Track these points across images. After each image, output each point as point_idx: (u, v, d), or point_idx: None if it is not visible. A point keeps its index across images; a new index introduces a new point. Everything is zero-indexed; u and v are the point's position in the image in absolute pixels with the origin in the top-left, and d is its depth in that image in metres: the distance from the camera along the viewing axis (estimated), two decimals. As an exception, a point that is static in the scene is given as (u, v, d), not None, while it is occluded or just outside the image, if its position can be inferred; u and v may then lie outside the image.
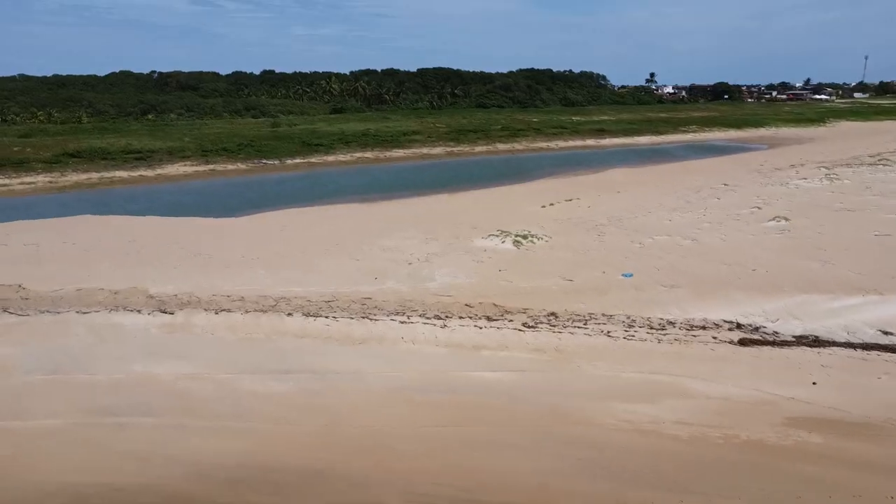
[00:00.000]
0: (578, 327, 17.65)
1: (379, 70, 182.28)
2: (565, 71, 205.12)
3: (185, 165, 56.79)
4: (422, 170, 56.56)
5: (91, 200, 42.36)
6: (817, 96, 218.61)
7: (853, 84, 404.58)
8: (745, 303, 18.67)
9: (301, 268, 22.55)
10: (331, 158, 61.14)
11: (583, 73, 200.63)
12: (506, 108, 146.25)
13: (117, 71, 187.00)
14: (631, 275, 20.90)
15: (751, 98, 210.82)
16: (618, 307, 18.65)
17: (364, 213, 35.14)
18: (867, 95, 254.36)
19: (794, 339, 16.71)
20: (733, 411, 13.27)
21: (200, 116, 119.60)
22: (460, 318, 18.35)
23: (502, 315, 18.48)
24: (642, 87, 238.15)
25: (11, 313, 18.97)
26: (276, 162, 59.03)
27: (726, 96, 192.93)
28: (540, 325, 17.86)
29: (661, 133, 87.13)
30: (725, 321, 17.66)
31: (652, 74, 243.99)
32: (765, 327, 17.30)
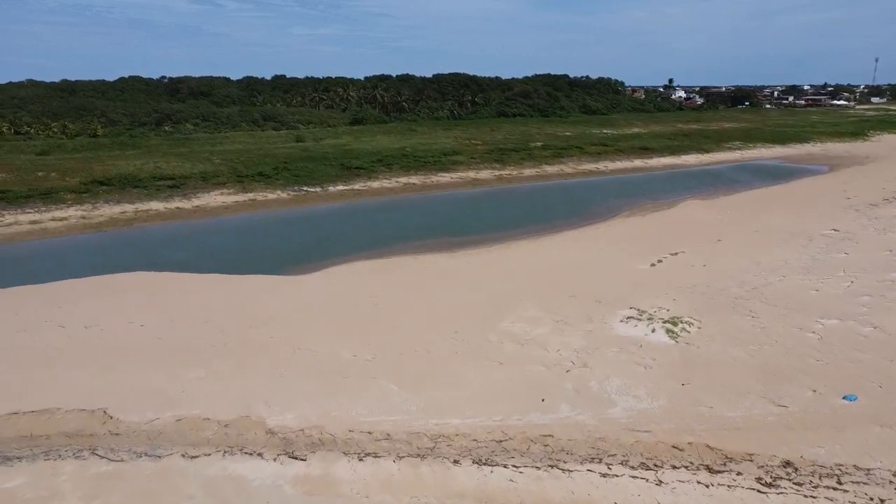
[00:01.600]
0: (833, 488, 13.80)
1: (394, 76, 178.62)
2: (582, 77, 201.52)
3: (223, 194, 52.84)
4: (478, 201, 52.64)
5: (134, 244, 38.42)
6: (836, 102, 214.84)
7: (862, 86, 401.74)
8: None
9: (440, 381, 18.65)
10: (375, 185, 57.18)
11: (600, 80, 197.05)
12: (526, 116, 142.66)
13: (126, 76, 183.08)
14: (855, 398, 17.05)
15: (769, 104, 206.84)
16: (869, 454, 14.80)
17: (452, 271, 31.21)
18: (884, 100, 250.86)
19: None
20: None
21: (217, 126, 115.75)
22: (674, 467, 14.51)
23: (724, 464, 14.64)
24: (654, 90, 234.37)
25: (101, 456, 15.09)
26: (318, 189, 55.09)
27: (747, 103, 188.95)
28: (780, 483, 14.04)
29: (705, 150, 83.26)
30: None
31: (670, 81, 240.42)
32: None
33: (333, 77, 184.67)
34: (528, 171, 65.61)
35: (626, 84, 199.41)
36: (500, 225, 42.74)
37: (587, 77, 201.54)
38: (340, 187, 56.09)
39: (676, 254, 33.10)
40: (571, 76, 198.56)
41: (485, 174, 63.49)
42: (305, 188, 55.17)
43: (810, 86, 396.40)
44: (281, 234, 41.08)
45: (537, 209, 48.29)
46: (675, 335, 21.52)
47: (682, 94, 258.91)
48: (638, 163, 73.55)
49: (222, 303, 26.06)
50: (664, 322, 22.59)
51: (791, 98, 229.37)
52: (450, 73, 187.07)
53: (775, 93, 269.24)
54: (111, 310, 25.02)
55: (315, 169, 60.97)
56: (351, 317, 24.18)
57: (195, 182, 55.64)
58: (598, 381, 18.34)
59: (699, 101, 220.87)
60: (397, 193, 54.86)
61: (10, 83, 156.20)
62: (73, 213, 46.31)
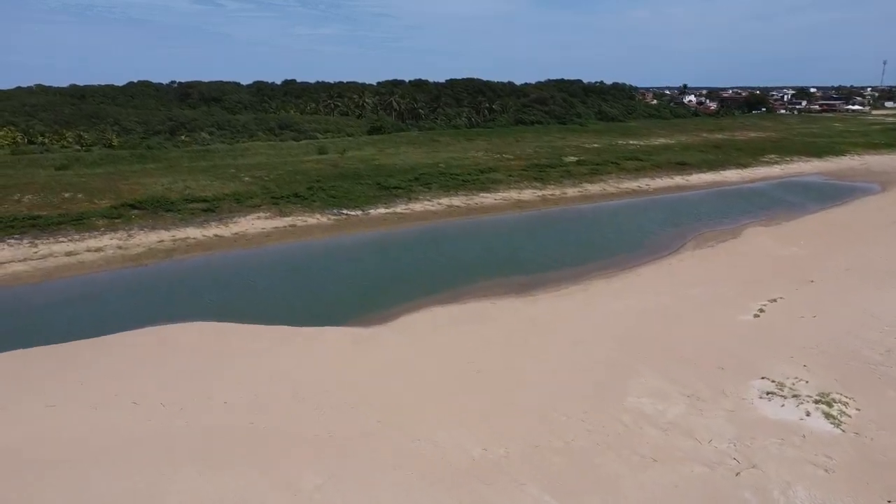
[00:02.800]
0: None
1: (407, 81, 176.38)
2: (596, 82, 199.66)
3: (260, 219, 50.36)
4: (530, 227, 50.23)
5: (180, 281, 35.95)
6: (851, 107, 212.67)
7: (869, 88, 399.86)
8: None
9: (594, 486, 16.18)
10: (418, 207, 54.70)
11: (614, 85, 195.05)
12: (544, 123, 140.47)
13: (135, 80, 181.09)
14: None
15: (783, 109, 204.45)
16: None
17: (542, 323, 28.76)
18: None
19: None
20: None
21: (233, 135, 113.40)
22: None
23: None
24: (660, 92, 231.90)
25: None
26: (359, 213, 52.61)
27: (763, 108, 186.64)
28: None
29: (743, 165, 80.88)
30: None
31: (684, 86, 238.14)
32: None
33: (345, 82, 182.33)
34: (570, 191, 63.15)
35: (628, 85, 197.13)
36: (565, 258, 40.31)
37: (601, 82, 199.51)
38: (382, 210, 53.60)
39: (775, 300, 30.67)
40: (585, 81, 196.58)
41: (528, 194, 61.03)
42: (345, 211, 52.69)
43: (816, 88, 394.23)
44: (334, 270, 38.60)
45: (594, 238, 45.85)
46: (836, 421, 19.08)
47: (691, 97, 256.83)
48: (679, 180, 71.15)
49: (302, 367, 23.60)
50: (815, 402, 20.15)
51: (804, 103, 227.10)
52: (463, 79, 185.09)
53: (785, 97, 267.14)
54: (183, 377, 22.56)
55: (351, 189, 58.53)
56: (458, 389, 21.73)
57: (229, 204, 53.18)
58: (780, 490, 15.90)
59: (712, 105, 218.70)
60: (442, 217, 52.38)
61: (19, 88, 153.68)
62: (108, 243, 43.81)
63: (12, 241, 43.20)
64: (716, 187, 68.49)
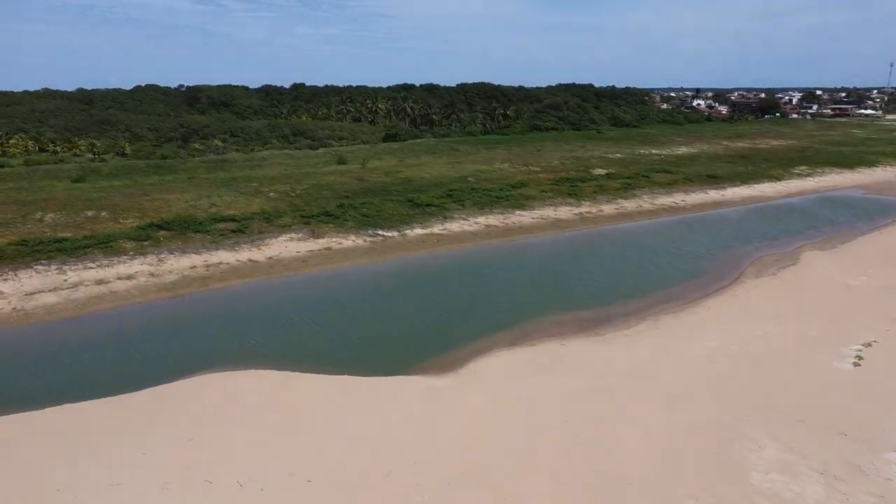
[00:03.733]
0: None
1: (417, 85, 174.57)
2: (608, 87, 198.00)
3: (293, 241, 48.30)
4: (575, 252, 48.25)
5: (224, 316, 33.88)
6: (863, 111, 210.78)
7: (875, 91, 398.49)
8: None
9: None
10: (455, 228, 52.63)
11: (627, 90, 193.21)
12: (559, 129, 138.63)
13: (142, 84, 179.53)
14: None
15: (795, 114, 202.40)
16: None
17: (623, 371, 26.73)
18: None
19: None
20: None
21: (246, 142, 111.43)
22: None
23: None
24: (665, 93, 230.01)
25: None
26: (395, 234, 50.53)
27: (777, 113, 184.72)
28: None
29: (776, 178, 78.90)
30: None
31: (697, 90, 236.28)
32: None
33: (354, 86, 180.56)
34: (607, 209, 61.11)
35: (640, 90, 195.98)
36: (622, 287, 38.31)
37: (613, 87, 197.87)
38: (418, 231, 51.54)
39: (869, 344, 28.67)
40: (596, 85, 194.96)
41: (564, 212, 58.99)
42: (381, 232, 50.64)
43: (822, 90, 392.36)
44: (383, 302, 36.54)
45: (645, 263, 43.81)
46: None
47: (699, 101, 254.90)
48: (714, 195, 69.14)
49: (380, 430, 21.56)
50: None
51: (815, 107, 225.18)
52: (475, 83, 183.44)
53: (793, 100, 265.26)
54: (257, 445, 20.50)
55: (382, 206, 56.48)
56: (553, 457, 19.68)
57: (259, 224, 51.16)
58: None
59: (722, 109, 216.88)
60: (481, 239, 50.33)
61: (27, 92, 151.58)
62: (139, 268, 41.73)
63: (40, 266, 41.17)
64: (753, 203, 66.49)
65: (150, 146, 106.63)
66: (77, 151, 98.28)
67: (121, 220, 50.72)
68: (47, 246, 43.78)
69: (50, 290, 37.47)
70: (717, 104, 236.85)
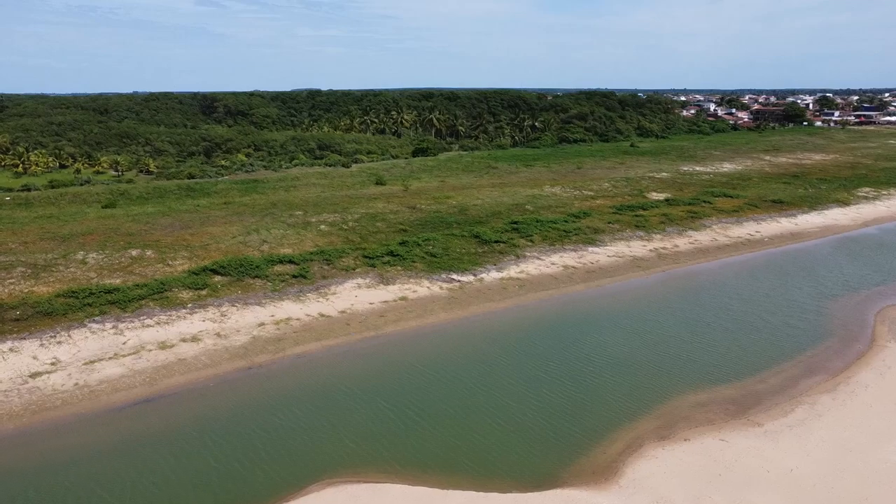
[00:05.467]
0: None
1: (436, 92, 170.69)
2: (630, 94, 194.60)
3: (361, 288, 44.22)
4: (668, 298, 44.28)
5: (320, 400, 29.78)
6: (891, 118, 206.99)
7: (887, 94, 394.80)
8: None
9: None
10: (532, 270, 48.52)
11: (650, 98, 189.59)
12: (588, 142, 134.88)
13: (143, 87, 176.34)
14: None
15: (819, 121, 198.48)
16: None
17: (809, 479, 22.65)
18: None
19: None
20: None
21: (272, 157, 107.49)
22: None
23: None
24: (667, 96, 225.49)
25: None
26: (471, 278, 46.45)
27: (804, 122, 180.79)
28: None
29: (843, 202, 74.97)
30: None
31: (723, 97, 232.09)
32: None
33: (373, 92, 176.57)
34: (681, 243, 57.05)
35: (631, 87, 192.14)
36: (748, 354, 34.31)
37: (636, 94, 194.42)
38: (494, 274, 47.44)
39: None
40: (619, 93, 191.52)
41: (638, 248, 54.94)
42: (455, 276, 46.53)
43: (832, 92, 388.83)
44: (486, 377, 32.44)
45: (754, 320, 39.70)
46: None
47: (711, 106, 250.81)
48: (787, 224, 65.14)
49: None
50: None
51: (837, 114, 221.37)
52: (494, 90, 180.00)
53: (809, 105, 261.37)
54: None
55: (448, 244, 52.43)
56: None
57: (319, 266, 47.13)
58: None
59: (742, 116, 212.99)
60: (563, 284, 46.26)
61: (39, 98, 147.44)
62: (202, 326, 37.60)
63: (94, 325, 37.06)
64: (831, 234, 62.52)
65: (174, 162, 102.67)
66: (100, 168, 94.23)
67: (169, 262, 46.63)
68: (98, 298, 39.71)
69: (111, 358, 33.34)
70: (734, 110, 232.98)
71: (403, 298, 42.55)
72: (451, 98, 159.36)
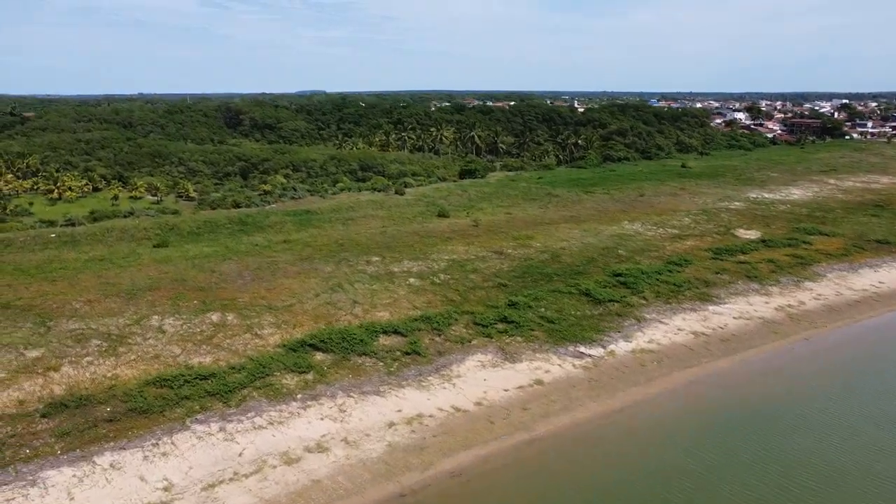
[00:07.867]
0: None
1: (466, 103, 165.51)
2: (665, 107, 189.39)
3: (485, 367, 38.81)
4: (831, 381, 39.05)
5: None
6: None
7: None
8: None
9: None
10: (662, 339, 43.18)
11: (684, 110, 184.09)
12: (631, 160, 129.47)
13: (179, 99, 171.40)
14: None
15: (855, 135, 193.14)
16: None
17: None
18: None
19: None
20: None
21: (311, 177, 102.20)
22: None
23: None
24: (672, 98, 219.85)
25: None
26: (602, 352, 41.09)
27: (847, 137, 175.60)
28: None
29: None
30: None
31: (753, 104, 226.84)
32: None
33: (401, 104, 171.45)
34: (806, 299, 51.73)
35: (637, 91, 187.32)
36: None
37: (670, 107, 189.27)
38: (623, 345, 42.13)
39: None
40: (652, 104, 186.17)
41: (760, 306, 49.57)
42: (583, 350, 41.19)
43: (848, 98, 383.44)
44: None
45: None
46: None
47: (737, 115, 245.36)
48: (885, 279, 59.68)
49: None
50: None
51: (870, 124, 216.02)
52: (522, 100, 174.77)
53: (828, 111, 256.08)
54: None
55: (558, 304, 47.24)
56: None
57: (429, 336, 41.90)
58: None
59: (774, 126, 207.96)
60: (702, 358, 41.01)
61: (61, 106, 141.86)
62: (323, 428, 32.24)
63: (198, 425, 31.69)
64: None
65: (211, 185, 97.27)
66: (137, 194, 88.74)
67: (257, 331, 41.22)
68: (194, 387, 34.42)
69: (231, 480, 27.95)
70: (761, 120, 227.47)
71: (539, 382, 37.16)
72: (484, 111, 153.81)
